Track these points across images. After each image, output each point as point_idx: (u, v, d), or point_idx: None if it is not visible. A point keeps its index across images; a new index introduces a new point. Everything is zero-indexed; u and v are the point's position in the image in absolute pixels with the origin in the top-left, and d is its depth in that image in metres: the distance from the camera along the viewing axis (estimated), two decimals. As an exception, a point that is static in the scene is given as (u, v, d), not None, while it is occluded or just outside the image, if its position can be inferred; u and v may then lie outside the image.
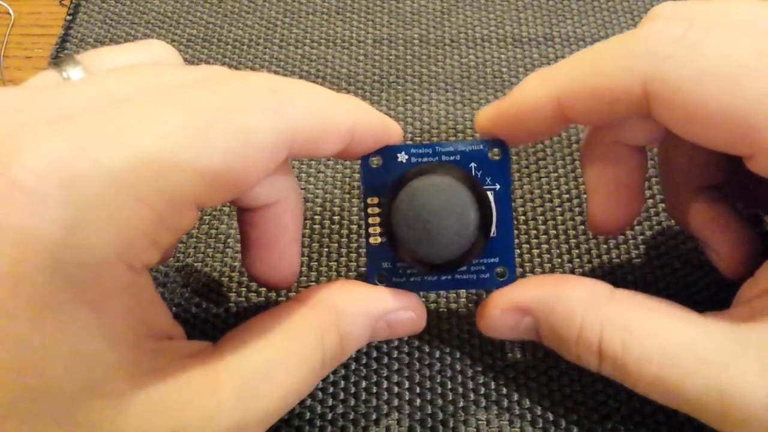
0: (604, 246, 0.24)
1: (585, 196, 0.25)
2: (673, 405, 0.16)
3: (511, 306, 0.18)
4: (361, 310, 0.18)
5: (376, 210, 0.19)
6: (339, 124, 0.17)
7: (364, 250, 0.23)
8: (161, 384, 0.14)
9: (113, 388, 0.13)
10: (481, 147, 0.19)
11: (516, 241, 0.24)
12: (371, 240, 0.19)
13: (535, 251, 0.24)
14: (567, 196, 0.25)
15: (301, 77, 0.29)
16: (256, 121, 0.15)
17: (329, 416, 0.20)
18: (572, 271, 0.23)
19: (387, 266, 0.19)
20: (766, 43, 0.15)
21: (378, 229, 0.19)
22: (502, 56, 0.30)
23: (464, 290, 0.23)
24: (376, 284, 0.19)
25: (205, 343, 0.16)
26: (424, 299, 0.23)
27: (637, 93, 0.16)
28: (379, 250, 0.19)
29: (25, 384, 0.13)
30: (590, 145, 0.19)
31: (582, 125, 0.18)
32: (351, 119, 0.17)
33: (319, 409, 0.21)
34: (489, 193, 0.19)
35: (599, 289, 0.18)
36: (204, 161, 0.14)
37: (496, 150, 0.19)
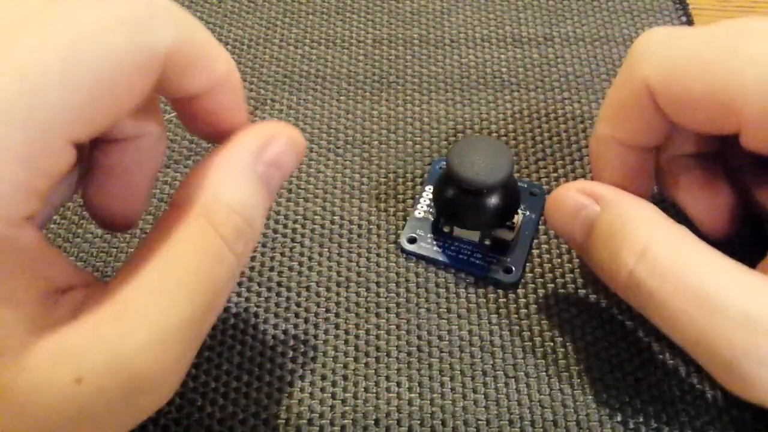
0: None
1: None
2: (697, 332, 0.16)
3: (587, 190, 0.19)
4: (230, 165, 0.16)
5: (428, 196, 0.25)
6: (213, 55, 0.16)
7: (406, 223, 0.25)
8: (60, 334, 0.13)
9: (9, 345, 0.13)
10: (526, 185, 0.25)
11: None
12: (416, 214, 0.24)
13: (536, 251, 0.24)
14: (567, 196, 0.25)
15: (301, 77, 0.29)
16: (122, 44, 0.13)
17: (329, 416, 0.20)
18: (572, 272, 0.23)
19: (419, 233, 0.24)
20: (739, 36, 0.16)
21: (424, 207, 0.25)
22: (502, 56, 0.30)
23: (461, 288, 0.23)
24: (405, 246, 0.24)
25: (101, 283, 0.15)
26: (423, 298, 0.23)
27: (645, 98, 0.18)
28: (415, 222, 0.24)
29: None
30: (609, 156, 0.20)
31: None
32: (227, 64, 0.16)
33: (319, 409, 0.21)
34: (520, 214, 0.24)
35: (664, 215, 0.18)
36: (71, 90, 0.13)
37: (536, 190, 0.25)
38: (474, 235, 0.23)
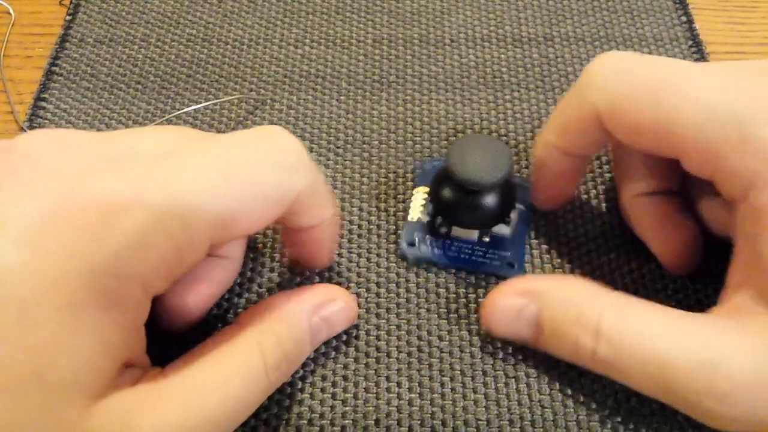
0: (605, 246, 0.24)
1: (584, 195, 0.25)
2: (662, 386, 0.18)
3: (517, 290, 0.20)
4: (292, 309, 0.20)
5: (421, 197, 0.25)
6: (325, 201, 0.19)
7: (401, 229, 0.24)
8: (117, 397, 0.16)
9: (92, 390, 0.15)
10: (519, 181, 0.25)
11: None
12: (409, 218, 0.24)
13: (536, 251, 0.24)
14: (567, 196, 0.25)
15: (301, 77, 0.29)
16: (271, 180, 0.17)
17: (329, 416, 0.20)
18: (572, 271, 0.23)
19: (417, 236, 0.24)
20: (681, 67, 0.18)
21: (417, 210, 0.24)
22: (502, 56, 0.30)
23: (461, 288, 0.23)
24: (406, 250, 0.23)
25: (156, 369, 0.18)
26: (423, 298, 0.23)
27: (592, 117, 0.19)
28: (412, 225, 0.24)
29: (30, 365, 0.14)
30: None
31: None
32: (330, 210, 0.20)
33: (319, 409, 0.21)
34: (516, 209, 0.24)
35: (598, 284, 0.20)
36: (222, 207, 0.16)
37: (526, 183, 0.25)
38: (472, 234, 0.23)
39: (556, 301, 0.19)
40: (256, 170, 0.17)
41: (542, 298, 0.19)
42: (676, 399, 0.18)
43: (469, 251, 0.23)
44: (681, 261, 0.22)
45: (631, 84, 0.19)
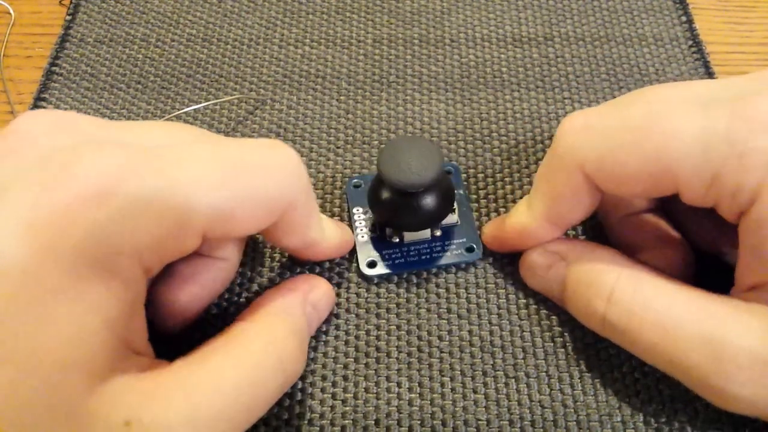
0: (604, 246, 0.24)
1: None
2: (668, 358, 0.18)
3: (552, 248, 0.22)
4: (291, 302, 0.20)
5: (362, 216, 0.24)
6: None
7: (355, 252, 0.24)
8: (122, 383, 0.16)
9: (94, 367, 0.15)
10: (448, 167, 0.26)
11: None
12: (359, 239, 0.24)
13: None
14: (567, 196, 0.25)
15: (301, 77, 0.29)
16: (268, 184, 0.17)
17: (329, 416, 0.20)
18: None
19: (373, 255, 0.24)
20: (651, 107, 0.18)
21: (364, 229, 0.24)
22: (502, 56, 0.30)
23: (461, 288, 0.23)
24: (368, 272, 0.23)
25: (164, 361, 0.18)
26: (423, 298, 0.23)
27: (581, 181, 0.19)
28: (365, 246, 0.24)
29: (30, 339, 0.14)
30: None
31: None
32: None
33: (319, 409, 0.21)
34: (456, 193, 0.24)
35: (621, 254, 0.21)
36: (218, 202, 0.16)
37: (450, 168, 0.26)
38: (425, 234, 0.23)
39: (579, 263, 0.20)
40: (255, 172, 0.17)
41: (569, 258, 0.21)
42: (681, 372, 0.18)
43: (428, 250, 0.24)
44: (680, 274, 0.22)
45: (612, 136, 0.18)
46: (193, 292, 0.20)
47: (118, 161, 0.15)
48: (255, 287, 0.23)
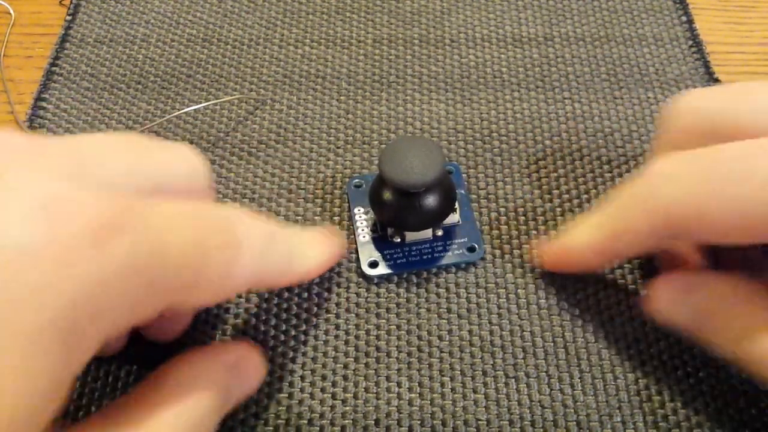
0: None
1: (585, 196, 0.25)
2: None
3: (679, 280, 0.20)
4: (207, 368, 0.18)
5: (363, 217, 0.24)
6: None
7: (355, 253, 0.24)
8: None
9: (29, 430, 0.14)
10: (450, 167, 0.26)
11: (509, 237, 0.24)
12: (361, 239, 0.24)
13: (536, 252, 0.24)
14: (567, 196, 0.25)
15: (301, 77, 0.29)
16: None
17: (329, 416, 0.20)
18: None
19: (375, 255, 0.23)
20: (733, 152, 0.17)
21: (365, 229, 0.24)
22: (502, 56, 0.30)
23: (461, 288, 0.23)
24: (369, 272, 0.23)
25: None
26: (423, 298, 0.23)
27: (660, 225, 0.18)
28: (367, 246, 0.24)
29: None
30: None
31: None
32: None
33: (319, 409, 0.21)
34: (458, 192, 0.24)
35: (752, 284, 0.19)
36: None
37: (451, 168, 0.26)
38: (426, 234, 0.23)
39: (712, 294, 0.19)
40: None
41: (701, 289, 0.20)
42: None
43: (429, 250, 0.24)
44: None
45: (702, 178, 0.18)
46: (173, 320, 0.20)
47: (98, 212, 0.14)
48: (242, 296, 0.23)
